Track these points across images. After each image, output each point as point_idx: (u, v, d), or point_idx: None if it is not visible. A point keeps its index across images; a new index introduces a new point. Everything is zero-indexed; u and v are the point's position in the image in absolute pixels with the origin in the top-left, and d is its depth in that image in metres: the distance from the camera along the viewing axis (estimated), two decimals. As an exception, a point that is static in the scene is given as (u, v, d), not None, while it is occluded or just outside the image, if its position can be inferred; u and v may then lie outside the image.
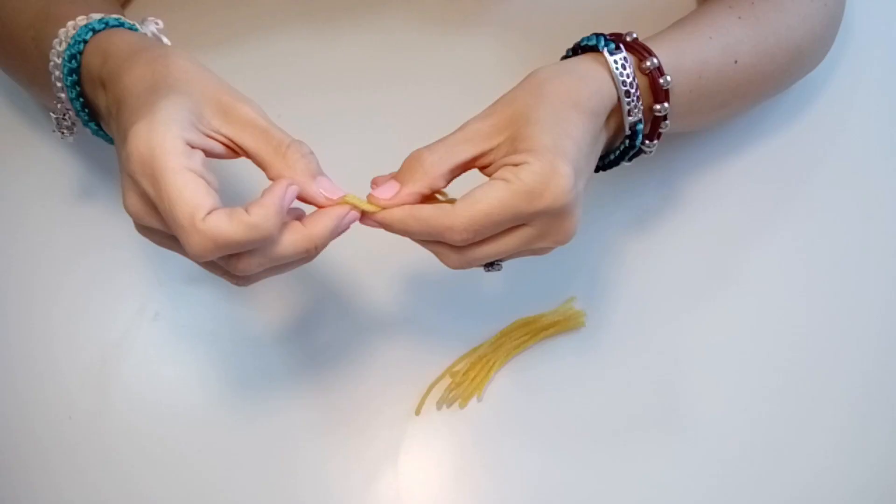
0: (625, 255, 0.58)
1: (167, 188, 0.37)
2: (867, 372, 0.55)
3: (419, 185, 0.43)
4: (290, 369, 0.55)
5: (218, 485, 0.52)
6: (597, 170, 0.50)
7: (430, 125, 0.60)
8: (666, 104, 0.47)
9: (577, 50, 0.48)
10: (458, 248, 0.43)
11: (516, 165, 0.41)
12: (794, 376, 0.55)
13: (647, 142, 0.48)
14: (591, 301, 0.56)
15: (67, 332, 0.55)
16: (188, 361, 0.55)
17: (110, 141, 0.46)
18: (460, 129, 0.45)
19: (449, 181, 0.44)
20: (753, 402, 0.54)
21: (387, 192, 0.43)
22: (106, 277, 0.57)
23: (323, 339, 0.56)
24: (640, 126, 0.47)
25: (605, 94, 0.45)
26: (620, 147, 0.49)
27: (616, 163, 0.50)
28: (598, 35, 0.47)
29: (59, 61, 0.44)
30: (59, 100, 0.46)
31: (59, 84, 0.45)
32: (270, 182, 0.40)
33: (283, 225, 0.39)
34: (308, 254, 0.41)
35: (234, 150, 0.42)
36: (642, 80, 0.47)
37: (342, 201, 0.42)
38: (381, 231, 0.58)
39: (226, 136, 0.41)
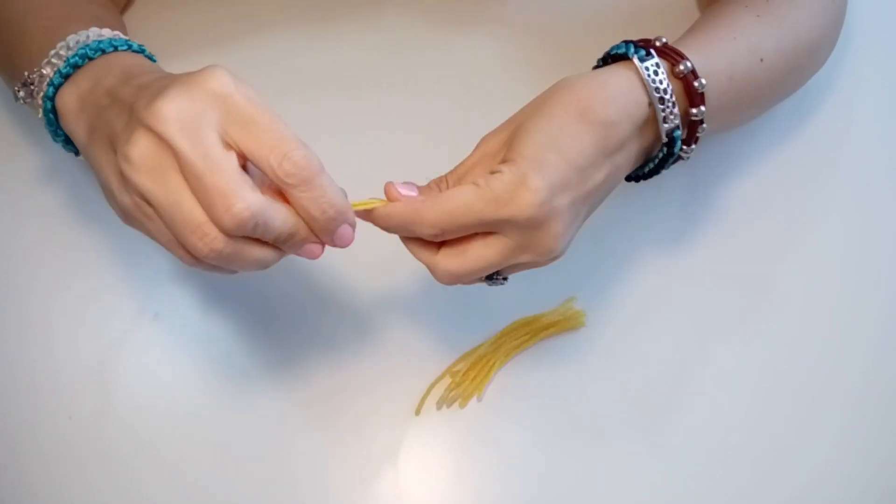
0: (625, 255, 0.58)
1: (274, 115, 0.38)
2: (868, 374, 0.55)
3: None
4: (290, 369, 0.55)
5: (217, 485, 0.52)
6: (637, 179, 0.50)
7: (430, 124, 0.61)
8: (703, 107, 0.46)
9: (608, 59, 0.47)
10: (444, 262, 0.43)
11: (493, 173, 0.42)
12: (794, 377, 0.55)
13: (685, 147, 0.47)
14: (591, 301, 0.56)
15: (67, 333, 0.55)
16: (188, 361, 0.55)
17: (51, 126, 0.46)
18: (476, 148, 0.46)
19: None
20: (754, 403, 0.54)
21: (405, 191, 0.43)
22: (106, 277, 0.57)
23: (323, 339, 0.55)
24: (678, 132, 0.46)
25: (630, 102, 0.44)
26: (659, 155, 0.48)
27: (656, 171, 0.49)
28: (626, 42, 0.46)
29: (74, 45, 0.44)
30: (39, 67, 0.45)
31: (55, 60, 0.44)
32: None
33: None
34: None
35: None
36: (676, 85, 0.45)
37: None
38: (383, 232, 0.59)
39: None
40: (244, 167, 0.39)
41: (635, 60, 0.44)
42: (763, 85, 0.52)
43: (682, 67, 0.45)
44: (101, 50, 0.44)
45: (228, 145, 0.38)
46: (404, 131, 0.61)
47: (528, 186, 0.40)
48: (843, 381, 0.55)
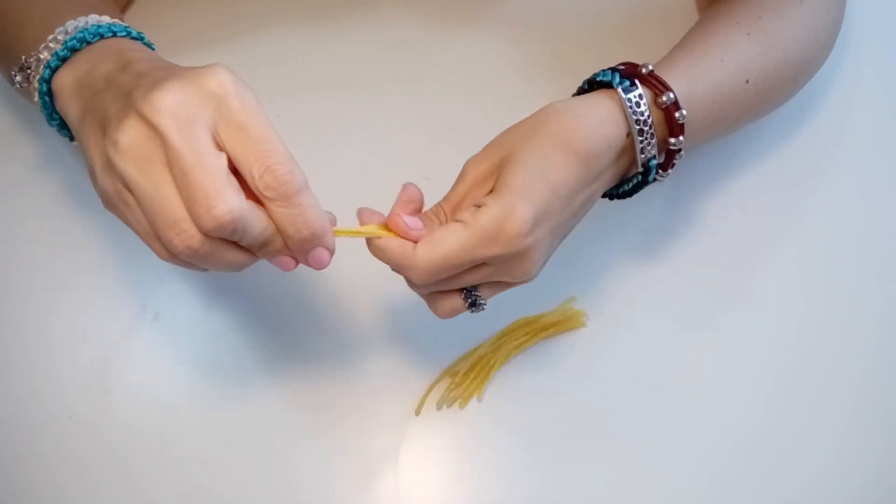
0: (625, 255, 0.58)
1: (267, 125, 0.37)
2: (867, 376, 0.55)
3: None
4: (290, 369, 0.55)
5: (218, 485, 0.52)
6: (612, 198, 0.51)
7: (429, 123, 0.61)
8: (681, 137, 0.46)
9: (593, 84, 0.48)
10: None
11: (478, 207, 0.42)
12: (794, 379, 0.55)
13: (660, 172, 0.48)
14: (591, 301, 0.56)
15: (67, 333, 0.55)
16: (188, 361, 0.55)
17: (45, 107, 0.45)
18: (463, 174, 0.45)
19: None
20: (754, 403, 0.54)
21: (413, 224, 0.43)
22: (106, 277, 0.57)
23: (323, 339, 0.55)
24: (654, 161, 0.47)
25: (610, 133, 0.45)
26: (634, 180, 0.48)
27: (630, 194, 0.50)
28: (613, 70, 0.46)
29: (72, 29, 0.44)
30: (37, 52, 0.45)
31: (52, 45, 0.44)
32: None
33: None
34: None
35: None
36: (657, 115, 0.46)
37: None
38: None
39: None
40: (233, 170, 0.38)
41: (619, 91, 0.45)
42: (747, 105, 0.52)
43: (664, 98, 0.46)
44: (100, 35, 0.44)
45: (219, 145, 0.37)
46: (403, 130, 0.61)
47: (516, 217, 0.41)
48: (844, 381, 0.55)
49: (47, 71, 0.44)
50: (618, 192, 0.50)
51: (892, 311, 0.57)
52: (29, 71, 0.45)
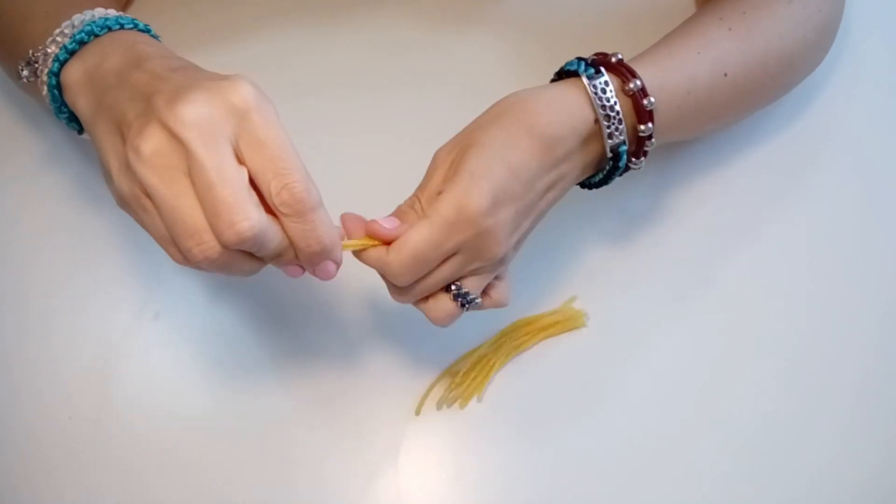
0: (625, 254, 0.58)
1: (286, 141, 0.38)
2: (867, 373, 0.55)
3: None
4: (290, 369, 0.55)
5: (218, 485, 0.52)
6: (589, 187, 0.51)
7: (428, 124, 0.60)
8: (650, 124, 0.47)
9: (562, 74, 0.49)
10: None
11: (439, 194, 0.43)
12: (794, 378, 0.55)
13: (633, 160, 0.49)
14: (591, 301, 0.56)
15: (67, 333, 0.55)
16: (188, 361, 0.55)
17: (53, 99, 0.45)
18: (431, 166, 0.46)
19: None
20: (754, 403, 0.54)
21: (390, 225, 0.44)
22: (106, 277, 0.57)
23: (323, 339, 0.56)
24: (624, 147, 0.47)
25: (575, 118, 0.46)
26: (606, 167, 0.49)
27: (605, 181, 0.50)
28: (579, 59, 0.47)
29: (79, 23, 0.44)
30: (44, 46, 0.45)
31: (58, 39, 0.44)
32: None
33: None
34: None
35: None
36: (625, 102, 0.47)
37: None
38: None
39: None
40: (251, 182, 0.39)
41: (584, 78, 0.46)
42: (727, 99, 0.52)
43: (631, 85, 0.46)
44: (108, 27, 0.44)
45: (240, 159, 0.38)
46: (402, 131, 0.61)
47: (472, 198, 0.42)
48: (844, 381, 0.55)
49: (56, 64, 0.44)
50: (593, 180, 0.50)
51: (890, 311, 0.57)
52: (36, 65, 0.45)
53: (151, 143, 0.37)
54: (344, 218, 0.45)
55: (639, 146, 0.48)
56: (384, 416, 0.54)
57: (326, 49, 0.63)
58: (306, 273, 0.43)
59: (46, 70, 0.44)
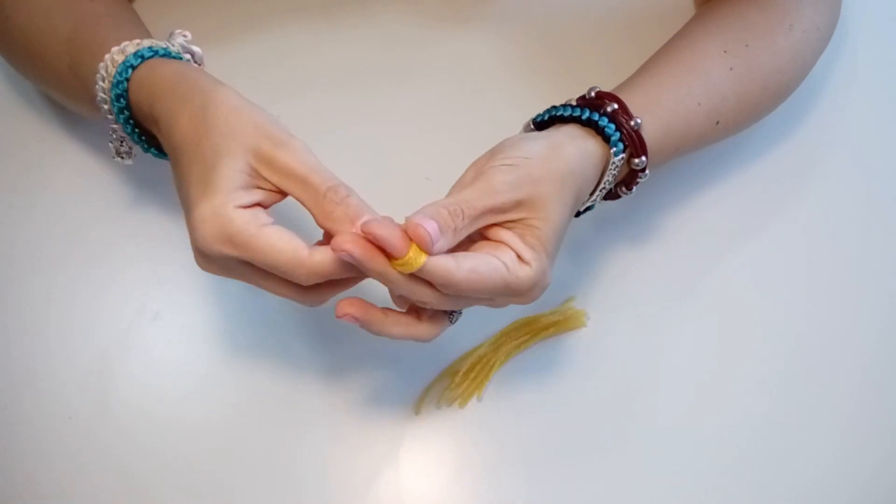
0: (625, 255, 0.58)
1: (260, 247, 0.40)
2: (867, 376, 0.55)
3: (450, 243, 0.42)
4: (290, 369, 0.55)
5: (218, 485, 0.52)
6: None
7: (426, 120, 0.61)
8: (634, 189, 0.49)
9: (586, 119, 0.47)
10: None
11: (523, 262, 0.42)
12: (794, 378, 0.55)
13: (600, 201, 0.50)
14: (591, 301, 0.56)
15: (67, 333, 0.55)
16: (188, 361, 0.55)
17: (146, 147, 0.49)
18: (485, 190, 0.43)
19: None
20: (755, 404, 0.54)
21: (434, 233, 0.41)
22: (106, 277, 0.57)
23: (323, 339, 0.55)
24: (591, 206, 0.49)
25: (591, 180, 0.47)
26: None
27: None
28: (611, 122, 0.46)
29: (106, 97, 0.46)
30: (114, 130, 0.48)
31: (110, 117, 0.47)
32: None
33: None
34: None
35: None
36: (623, 168, 0.48)
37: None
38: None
39: (275, 185, 0.42)
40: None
41: (611, 153, 0.46)
42: (713, 140, 0.54)
43: (637, 161, 0.48)
44: (125, 79, 0.46)
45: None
46: (401, 128, 0.61)
47: (545, 282, 0.44)
48: (844, 383, 0.55)
49: (137, 137, 0.48)
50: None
51: (889, 313, 0.57)
52: (123, 148, 0.50)
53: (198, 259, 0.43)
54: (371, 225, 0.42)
55: (614, 197, 0.51)
56: (384, 416, 0.54)
57: (325, 47, 0.63)
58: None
59: (138, 150, 0.49)
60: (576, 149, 0.46)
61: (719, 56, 0.52)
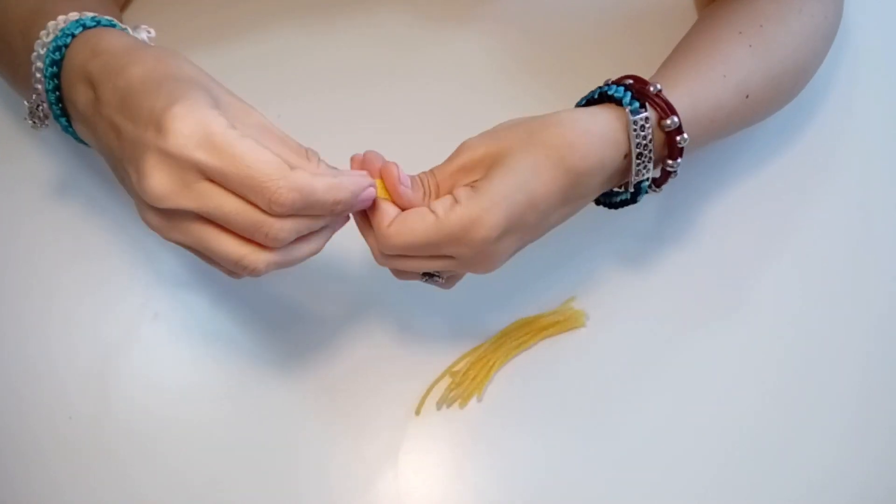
0: (625, 255, 0.58)
1: (242, 150, 0.37)
2: (864, 380, 0.55)
3: (420, 199, 0.44)
4: (290, 369, 0.55)
5: (218, 485, 0.52)
6: (597, 203, 0.51)
7: (425, 121, 0.61)
8: (679, 160, 0.47)
9: (602, 96, 0.47)
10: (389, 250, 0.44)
11: (456, 200, 0.42)
12: (792, 378, 0.55)
13: (654, 187, 0.49)
14: (591, 301, 0.56)
15: (67, 333, 0.55)
16: (188, 361, 0.55)
17: (79, 140, 0.46)
18: (457, 153, 0.45)
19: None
20: (753, 403, 0.54)
21: (405, 182, 0.44)
22: (106, 277, 0.57)
23: (323, 339, 0.55)
24: (646, 183, 0.47)
25: (608, 154, 0.45)
26: (622, 198, 0.49)
27: (616, 206, 0.50)
28: (622, 85, 0.46)
29: (42, 52, 0.44)
30: (36, 91, 0.45)
31: (38, 74, 0.44)
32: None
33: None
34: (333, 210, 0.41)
35: None
36: (658, 136, 0.46)
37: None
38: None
39: None
40: None
41: (628, 112, 0.45)
42: (745, 118, 0.53)
43: (668, 122, 0.46)
44: (60, 48, 0.43)
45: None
46: (399, 128, 0.61)
47: (483, 224, 0.41)
48: (841, 382, 0.55)
49: (55, 108, 0.45)
50: (607, 201, 0.50)
51: (889, 316, 0.57)
52: (40, 110, 0.46)
53: (149, 217, 0.40)
54: (368, 156, 0.45)
55: (663, 178, 0.48)
56: (384, 416, 0.54)
57: (324, 48, 0.63)
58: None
59: (51, 116, 0.46)
60: (572, 111, 0.45)
61: (735, 37, 0.51)
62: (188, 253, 0.42)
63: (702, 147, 0.52)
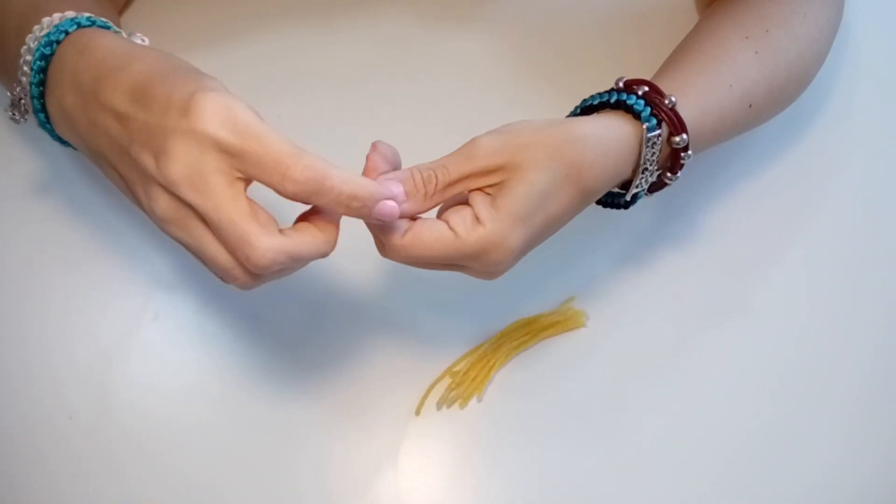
0: (625, 255, 0.58)
1: (263, 131, 0.37)
2: (865, 381, 0.55)
3: (416, 209, 0.43)
4: (290, 369, 0.55)
5: (218, 485, 0.52)
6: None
7: (425, 121, 0.61)
8: (678, 174, 0.47)
9: (615, 101, 0.46)
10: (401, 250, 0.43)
11: (478, 223, 0.42)
12: (795, 377, 0.55)
13: (647, 194, 0.49)
14: (591, 301, 0.56)
15: (67, 333, 0.55)
16: (188, 361, 0.55)
17: (55, 137, 0.46)
18: (467, 155, 0.43)
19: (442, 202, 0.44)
20: (754, 403, 0.54)
21: (396, 188, 0.42)
22: (106, 277, 0.57)
23: (323, 339, 0.55)
24: (642, 194, 0.48)
25: (620, 172, 0.45)
26: (618, 199, 0.49)
27: (609, 206, 0.50)
28: (639, 95, 0.45)
29: (33, 45, 0.43)
30: (20, 83, 0.44)
31: (25, 67, 0.44)
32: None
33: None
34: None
35: None
36: (665, 150, 0.46)
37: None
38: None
39: None
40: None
41: (644, 129, 0.45)
42: (746, 126, 0.53)
43: (678, 139, 0.46)
44: (52, 44, 0.43)
45: (239, 180, 0.38)
46: (400, 128, 0.60)
47: (505, 246, 0.42)
48: (844, 387, 0.55)
49: (36, 102, 0.44)
50: (602, 200, 0.50)
51: (891, 317, 0.57)
52: (22, 103, 0.46)
53: (160, 204, 0.39)
54: (376, 145, 0.45)
55: (658, 186, 0.49)
56: (384, 416, 0.54)
57: (323, 47, 0.63)
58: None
59: (31, 109, 0.45)
60: (592, 124, 0.44)
61: (742, 42, 0.51)
62: (188, 254, 0.42)
63: (703, 153, 0.52)
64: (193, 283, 0.57)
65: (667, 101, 0.46)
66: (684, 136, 0.46)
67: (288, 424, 0.53)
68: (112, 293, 0.56)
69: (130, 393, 0.54)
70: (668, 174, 0.47)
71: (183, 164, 0.37)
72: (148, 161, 0.38)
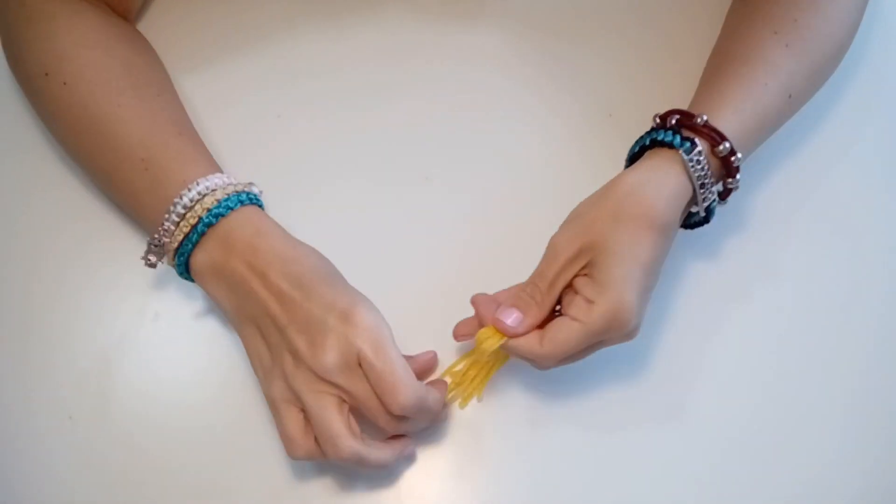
0: (625, 255, 0.58)
1: (394, 357, 0.46)
2: (867, 379, 0.55)
3: (537, 317, 0.48)
4: (290, 369, 0.55)
5: (218, 485, 0.52)
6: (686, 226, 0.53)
7: (430, 122, 0.61)
8: (738, 176, 0.49)
9: (652, 143, 0.49)
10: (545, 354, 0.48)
11: (589, 302, 0.46)
12: (795, 376, 0.55)
13: (720, 201, 0.51)
14: (591, 301, 0.56)
15: (67, 333, 0.55)
16: (188, 362, 0.55)
17: (183, 275, 0.51)
18: (549, 256, 0.48)
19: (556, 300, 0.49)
20: (754, 402, 0.54)
21: (514, 323, 0.48)
22: (106, 277, 0.57)
23: (323, 339, 0.55)
24: (715, 204, 0.50)
25: (680, 197, 0.48)
26: (695, 219, 0.52)
27: (693, 227, 0.53)
28: (666, 128, 0.49)
29: (199, 211, 0.48)
30: (167, 232, 0.49)
31: (175, 229, 0.49)
32: None
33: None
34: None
35: None
36: (715, 163, 0.49)
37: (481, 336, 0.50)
38: (383, 233, 0.59)
39: None
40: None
41: (682, 154, 0.47)
42: (788, 115, 0.54)
43: (721, 148, 0.48)
44: (229, 207, 0.49)
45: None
46: (405, 129, 0.61)
47: (625, 308, 0.46)
48: (844, 387, 0.55)
49: (181, 257, 0.50)
50: (684, 223, 0.52)
51: (891, 318, 0.57)
52: (159, 247, 0.51)
53: (298, 378, 0.46)
54: (476, 301, 0.50)
55: (726, 194, 0.51)
56: (384, 416, 0.54)
57: (329, 48, 0.63)
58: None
59: (173, 256, 0.50)
60: (636, 172, 0.48)
61: (771, 39, 0.52)
62: None
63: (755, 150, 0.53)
64: (193, 284, 0.57)
65: (698, 120, 0.48)
66: (726, 144, 0.48)
67: (288, 424, 0.53)
68: (112, 293, 0.56)
69: (130, 393, 0.54)
70: (728, 179, 0.50)
71: (333, 356, 0.45)
72: (301, 344, 0.46)
